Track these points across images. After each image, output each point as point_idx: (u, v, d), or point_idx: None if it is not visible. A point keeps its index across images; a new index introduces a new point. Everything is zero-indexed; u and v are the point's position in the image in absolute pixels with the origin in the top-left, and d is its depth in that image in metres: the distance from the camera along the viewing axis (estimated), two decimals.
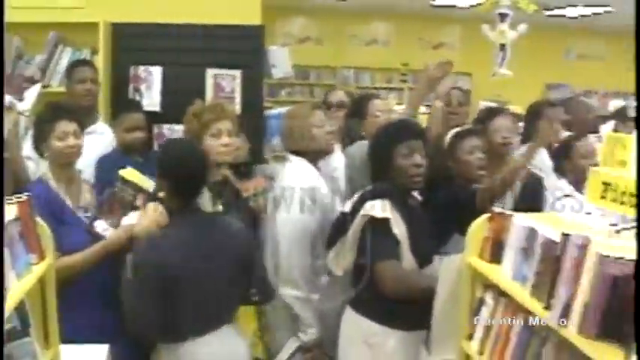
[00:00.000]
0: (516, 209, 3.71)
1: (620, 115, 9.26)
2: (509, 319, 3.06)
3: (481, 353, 3.24)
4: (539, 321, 2.77)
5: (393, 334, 3.68)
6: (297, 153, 4.32)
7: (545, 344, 2.78)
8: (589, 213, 3.11)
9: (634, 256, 2.34)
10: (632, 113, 9.52)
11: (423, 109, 5.39)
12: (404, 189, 3.73)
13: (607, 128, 8.21)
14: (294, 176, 4.20)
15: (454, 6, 13.13)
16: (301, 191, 4.12)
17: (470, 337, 3.37)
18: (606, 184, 2.83)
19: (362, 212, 3.61)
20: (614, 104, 10.61)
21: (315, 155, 4.33)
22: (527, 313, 2.89)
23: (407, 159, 3.71)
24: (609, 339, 2.35)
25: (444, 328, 3.51)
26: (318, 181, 4.24)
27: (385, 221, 3.57)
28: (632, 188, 2.70)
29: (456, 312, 3.46)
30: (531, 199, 4.32)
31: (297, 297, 4.14)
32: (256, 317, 3.95)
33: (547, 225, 2.91)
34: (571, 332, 2.47)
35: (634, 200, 2.70)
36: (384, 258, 3.56)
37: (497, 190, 4.10)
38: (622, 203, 2.76)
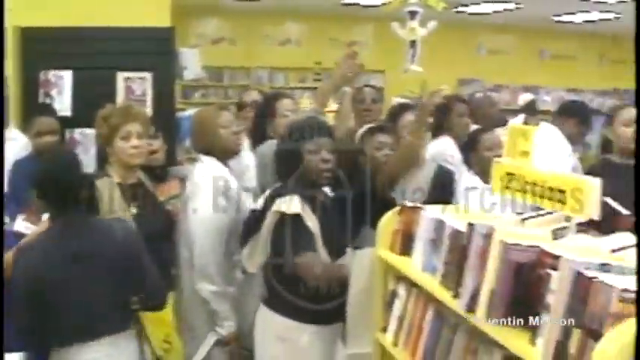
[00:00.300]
0: (427, 202, 3.78)
1: (529, 108, 9.48)
2: (422, 310, 3.13)
3: (395, 344, 3.30)
4: (450, 310, 2.84)
5: (307, 329, 3.72)
6: (207, 153, 4.34)
7: (456, 332, 2.86)
8: (494, 203, 3.19)
9: (537, 243, 2.42)
10: (541, 106, 9.75)
11: (334, 106, 5.44)
12: (313, 185, 3.77)
13: (517, 121, 8.40)
14: (205, 175, 4.21)
15: (365, 5, 13.24)
16: (212, 189, 4.13)
17: (384, 329, 3.43)
18: (510, 175, 2.92)
19: (273, 209, 3.64)
20: (524, 98, 10.86)
21: (224, 155, 4.35)
22: (438, 302, 2.96)
23: (314, 155, 3.75)
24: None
25: (358, 321, 3.57)
26: (228, 180, 4.26)
27: (297, 216, 3.61)
28: (534, 178, 2.79)
29: (369, 305, 3.52)
30: (442, 191, 4.42)
31: (214, 292, 4.16)
32: (170, 321, 3.91)
33: (455, 216, 2.99)
34: (479, 319, 2.54)
35: (537, 189, 2.79)
36: (301, 251, 3.60)
37: (392, 171, 4.20)
38: (525, 192, 2.85)
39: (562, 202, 2.63)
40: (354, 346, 3.60)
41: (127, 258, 3.42)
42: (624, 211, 3.15)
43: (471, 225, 2.65)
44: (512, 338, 2.41)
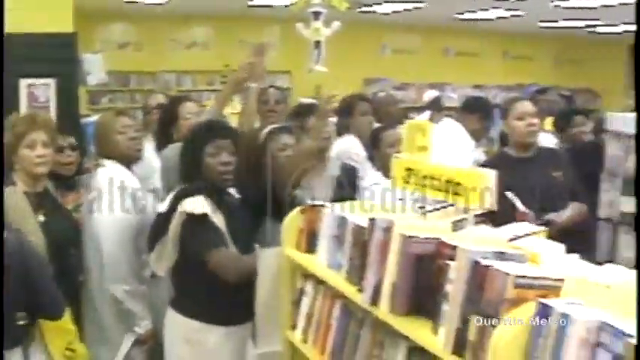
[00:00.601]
0: (333, 200, 3.83)
1: (434, 105, 9.63)
2: (329, 306, 3.17)
3: (305, 341, 3.33)
4: (355, 304, 2.88)
5: (214, 331, 3.73)
6: (109, 158, 4.34)
7: (362, 326, 2.90)
8: (401, 199, 3.25)
9: (436, 235, 2.48)
10: (446, 103, 9.90)
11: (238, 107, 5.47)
12: (216, 187, 3.79)
13: (423, 118, 8.55)
14: (107, 179, 4.21)
15: (271, 6, 13.27)
16: (116, 193, 4.13)
17: (293, 326, 3.46)
18: (409, 170, 2.99)
19: (179, 210, 3.64)
20: (429, 95, 11.04)
21: (123, 160, 4.37)
22: (344, 298, 3.00)
23: (215, 158, 3.78)
24: (418, 314, 2.49)
25: (267, 320, 3.59)
26: (132, 183, 4.26)
27: (203, 216, 3.62)
28: (432, 172, 2.86)
29: (278, 303, 3.55)
30: (346, 189, 4.48)
31: (127, 291, 4.17)
32: (71, 328, 3.85)
33: (358, 212, 3.04)
34: (383, 311, 2.60)
35: (436, 183, 2.86)
36: (213, 247, 3.61)
37: (294, 171, 4.25)
38: (424, 186, 2.91)
39: (460, 194, 2.70)
40: (264, 345, 3.62)
41: (18, 273, 3.30)
42: (521, 207, 3.29)
43: (371, 220, 2.70)
44: (415, 329, 2.46)
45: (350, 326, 2.99)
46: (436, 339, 2.34)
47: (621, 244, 4.97)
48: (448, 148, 4.89)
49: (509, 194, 3.98)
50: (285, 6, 12.39)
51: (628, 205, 4.92)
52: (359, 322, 2.92)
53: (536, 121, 4.73)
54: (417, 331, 2.45)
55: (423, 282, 2.47)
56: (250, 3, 13.40)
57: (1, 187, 3.77)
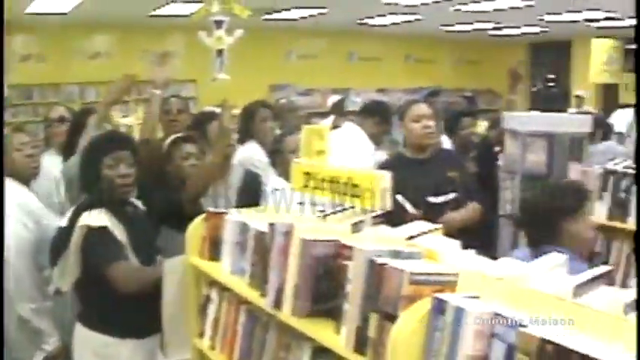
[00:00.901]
0: (237, 206, 3.85)
1: (337, 109, 9.70)
2: (234, 312, 3.19)
3: (212, 348, 3.34)
4: (260, 309, 2.91)
5: (124, 344, 3.71)
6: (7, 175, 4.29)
7: (268, 330, 2.93)
8: (302, 203, 3.29)
9: (335, 237, 2.53)
10: (350, 107, 9.98)
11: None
12: (116, 199, 3.77)
13: (327, 123, 8.61)
14: (7, 197, 4.15)
15: (174, 15, 13.21)
16: (14, 211, 4.08)
17: (201, 334, 3.46)
18: (307, 174, 3.03)
19: (79, 223, 3.61)
20: (332, 100, 11.11)
21: (23, 177, 4.32)
22: (249, 303, 3.02)
23: (113, 170, 3.76)
24: (321, 315, 2.52)
25: (175, 330, 3.59)
26: (29, 200, 4.21)
27: (104, 229, 3.60)
28: (330, 175, 2.90)
29: (185, 312, 3.55)
30: (250, 195, 4.51)
31: (33, 309, 4.11)
32: None
33: (260, 218, 3.06)
34: (286, 314, 2.63)
35: (334, 186, 2.90)
36: (113, 261, 3.58)
37: (199, 181, 4.27)
38: (323, 189, 2.96)
39: (358, 196, 2.75)
40: (174, 354, 3.61)
41: None
42: (410, 209, 3.36)
43: (271, 225, 2.73)
44: (318, 330, 2.50)
45: (256, 331, 3.01)
46: (339, 338, 2.38)
47: (522, 239, 5.10)
48: (347, 151, 4.96)
49: (399, 197, 4.04)
50: (188, 15, 12.35)
51: None
52: (264, 327, 2.95)
53: (431, 123, 4.80)
54: (320, 331, 2.49)
55: (323, 283, 2.51)
56: (152, 13, 13.30)
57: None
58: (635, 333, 1.71)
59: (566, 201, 3.55)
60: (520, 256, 3.09)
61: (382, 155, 5.92)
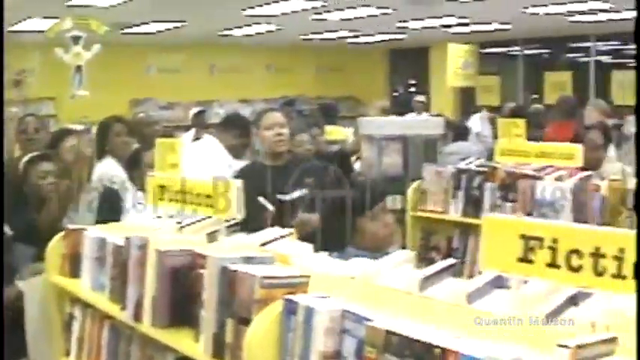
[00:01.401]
0: (97, 223, 3.85)
1: (198, 122, 9.77)
2: (98, 328, 3.20)
3: None
4: (123, 323, 2.93)
5: None
6: None
7: (131, 343, 2.95)
8: (160, 216, 3.32)
9: (191, 247, 2.58)
10: (213, 120, 10.03)
11: None
12: None
13: (188, 136, 8.63)
14: None
15: (31, 31, 12.92)
16: None
17: (67, 353, 3.45)
18: (162, 187, 3.07)
19: None
20: (193, 112, 11.15)
21: None
22: (111, 318, 3.04)
23: None
24: (180, 324, 2.57)
25: (41, 351, 3.56)
26: None
27: None
28: (183, 187, 2.95)
29: (49, 332, 3.53)
30: (109, 211, 4.50)
31: None
32: None
33: (119, 233, 3.09)
34: (146, 326, 2.67)
35: (188, 197, 2.95)
36: None
37: (57, 207, 4.26)
38: (178, 201, 3.01)
39: (211, 206, 2.81)
40: None
41: None
42: (270, 207, 3.45)
43: (127, 239, 2.77)
44: (178, 339, 2.55)
45: (120, 345, 3.03)
46: (198, 346, 2.43)
47: None
48: (203, 163, 5.01)
49: (261, 199, 4.13)
50: (44, 31, 12.12)
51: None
52: (127, 340, 2.97)
53: (284, 130, 4.91)
54: (181, 341, 2.54)
55: (181, 293, 2.56)
56: (9, 28, 12.99)
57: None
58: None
59: (360, 200, 3.69)
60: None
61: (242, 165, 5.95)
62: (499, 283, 2.34)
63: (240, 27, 14.92)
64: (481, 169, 5.03)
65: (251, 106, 15.52)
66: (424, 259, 4.74)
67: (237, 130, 5.97)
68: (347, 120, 11.22)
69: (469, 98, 16.86)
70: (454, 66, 16.36)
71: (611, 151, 7.09)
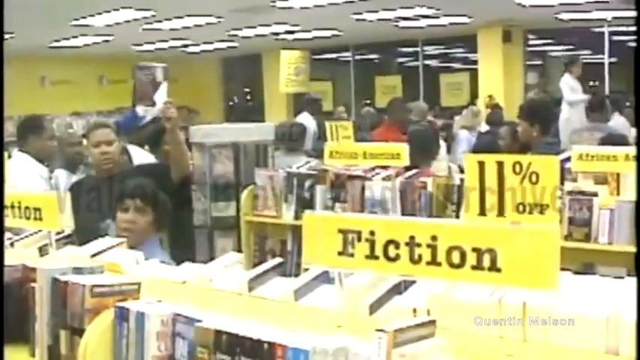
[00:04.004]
0: None
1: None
2: None
3: None
4: None
5: None
6: None
7: None
8: None
9: (21, 261, 2.56)
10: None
11: None
12: None
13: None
14: None
15: None
16: None
17: None
18: None
19: None
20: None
21: None
22: None
23: None
24: (18, 341, 2.53)
25: None
26: None
27: None
28: (10, 201, 2.92)
29: None
30: None
31: None
32: None
33: None
34: None
35: (17, 211, 2.92)
36: None
37: None
38: (6, 217, 2.97)
39: (42, 219, 2.80)
40: None
41: None
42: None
43: None
44: (15, 356, 2.49)
45: None
46: None
47: (217, 245, 5.33)
48: (21, 178, 4.94)
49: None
50: None
51: (216, 209, 5.33)
52: None
53: (110, 149, 4.89)
54: (17, 357, 2.50)
55: (14, 309, 2.54)
56: None
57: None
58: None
59: None
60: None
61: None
62: (325, 278, 2.45)
63: (68, 38, 14.63)
64: (311, 171, 5.16)
65: (84, 118, 15.22)
66: (260, 263, 4.82)
67: (33, 135, 5.76)
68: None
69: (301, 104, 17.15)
70: (286, 72, 16.57)
71: (441, 148, 7.42)
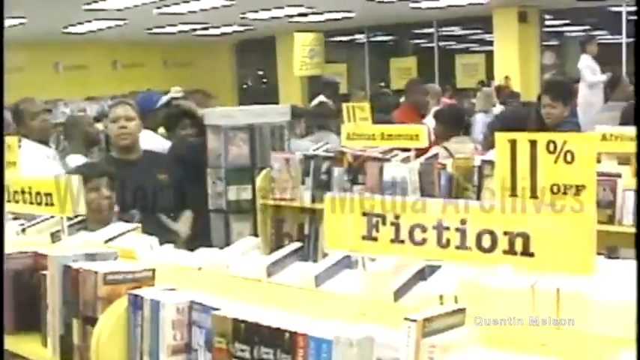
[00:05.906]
0: None
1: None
2: None
3: None
4: None
5: None
6: None
7: None
8: None
9: (33, 248, 2.49)
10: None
11: None
12: None
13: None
14: None
15: None
16: None
17: None
18: None
19: None
20: None
21: None
22: None
23: None
24: (28, 330, 2.47)
25: None
26: None
27: None
28: (21, 186, 2.85)
29: None
30: None
31: None
32: None
33: None
34: None
35: (28, 197, 2.85)
36: None
37: None
38: (17, 202, 2.89)
39: (53, 205, 2.72)
40: None
41: None
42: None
43: None
44: (26, 345, 2.44)
45: None
46: (46, 351, 2.35)
47: (233, 230, 5.25)
48: (35, 163, 4.85)
49: None
50: None
51: (232, 193, 5.24)
52: None
53: (129, 124, 4.77)
54: (28, 346, 2.44)
55: (25, 297, 2.46)
56: None
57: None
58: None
59: None
60: None
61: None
62: (347, 263, 2.36)
63: (82, 23, 14.57)
64: (328, 154, 5.07)
65: (97, 103, 15.18)
66: (277, 248, 4.75)
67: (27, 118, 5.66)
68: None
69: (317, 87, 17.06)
70: (301, 55, 16.46)
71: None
